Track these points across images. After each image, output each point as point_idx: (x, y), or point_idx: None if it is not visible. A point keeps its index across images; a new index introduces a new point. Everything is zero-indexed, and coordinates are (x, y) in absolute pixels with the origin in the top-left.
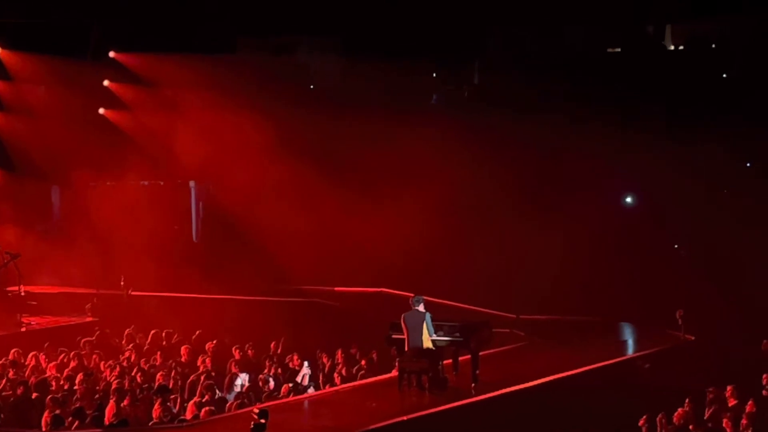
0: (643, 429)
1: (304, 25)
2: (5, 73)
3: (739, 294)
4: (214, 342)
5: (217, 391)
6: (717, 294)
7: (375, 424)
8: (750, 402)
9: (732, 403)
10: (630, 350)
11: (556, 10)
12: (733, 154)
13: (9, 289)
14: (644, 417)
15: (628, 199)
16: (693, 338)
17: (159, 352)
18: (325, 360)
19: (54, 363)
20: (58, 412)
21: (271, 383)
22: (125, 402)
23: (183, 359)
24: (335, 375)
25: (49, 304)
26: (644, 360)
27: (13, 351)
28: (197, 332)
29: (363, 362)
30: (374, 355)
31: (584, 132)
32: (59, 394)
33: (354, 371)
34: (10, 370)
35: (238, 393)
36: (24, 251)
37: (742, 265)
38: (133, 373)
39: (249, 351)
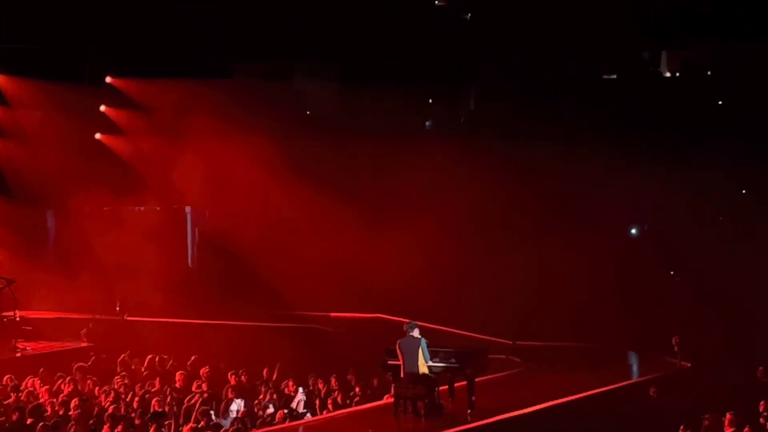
0: None
1: (300, 50)
2: (2, 98)
3: (735, 321)
4: (209, 367)
5: (213, 417)
6: (713, 321)
7: None
8: (746, 429)
9: (729, 430)
10: (626, 377)
11: (552, 37)
12: (729, 180)
13: (4, 314)
14: None
15: (633, 231)
16: (689, 365)
17: (158, 378)
18: (320, 386)
19: (46, 387)
20: None
21: (270, 409)
22: (119, 428)
23: (178, 385)
24: (329, 401)
25: (45, 329)
26: (649, 384)
27: (6, 377)
28: (192, 357)
29: (357, 389)
30: (375, 382)
31: (580, 158)
32: (52, 420)
33: (350, 397)
34: (12, 395)
35: (234, 419)
36: (19, 276)
37: (739, 291)
38: (128, 399)
39: (243, 377)
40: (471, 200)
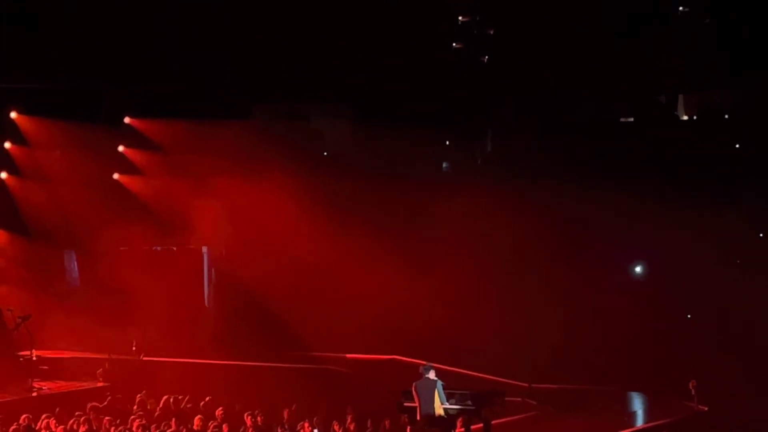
0: None
1: (317, 92)
2: (21, 139)
3: (752, 364)
4: (224, 408)
5: None
6: (730, 364)
7: None
8: None
9: None
10: (643, 420)
11: (569, 80)
12: (747, 224)
13: (21, 353)
14: None
15: (638, 269)
16: (706, 409)
17: (173, 418)
18: (336, 428)
19: (62, 427)
20: None
21: None
22: None
23: (195, 427)
24: None
25: (61, 368)
26: (664, 428)
27: (23, 416)
28: (207, 398)
29: (369, 430)
30: (387, 423)
31: (596, 200)
32: None
33: None
34: None
35: None
36: (36, 315)
37: (756, 335)
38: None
39: (259, 417)
40: (487, 243)
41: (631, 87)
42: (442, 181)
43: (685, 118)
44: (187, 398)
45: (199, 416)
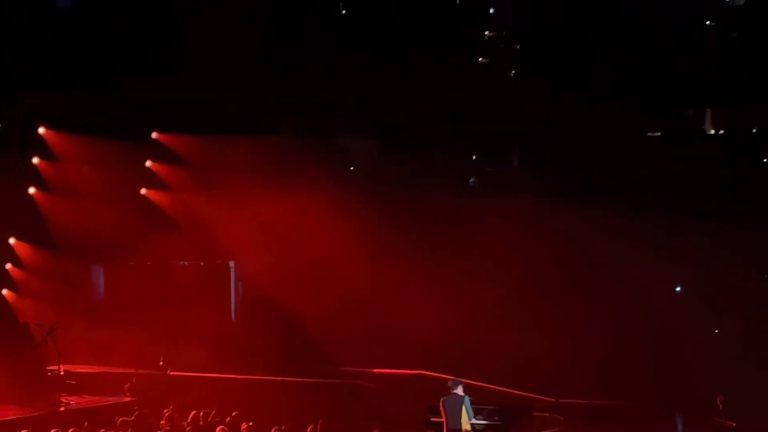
0: None
1: (342, 108)
2: (49, 154)
3: None
4: (250, 423)
5: None
6: (758, 380)
7: None
8: None
9: None
10: None
11: (594, 94)
12: None
13: (49, 368)
14: None
15: (678, 289)
16: (734, 425)
17: None
18: None
19: None
20: None
21: None
22: None
23: None
24: None
25: (88, 383)
26: None
27: (53, 431)
28: (234, 413)
29: None
30: None
31: (623, 215)
32: None
33: None
34: None
35: None
36: (64, 330)
37: None
38: None
39: None
40: (515, 258)
41: (658, 101)
42: (467, 197)
43: (713, 131)
44: (213, 412)
45: (221, 427)
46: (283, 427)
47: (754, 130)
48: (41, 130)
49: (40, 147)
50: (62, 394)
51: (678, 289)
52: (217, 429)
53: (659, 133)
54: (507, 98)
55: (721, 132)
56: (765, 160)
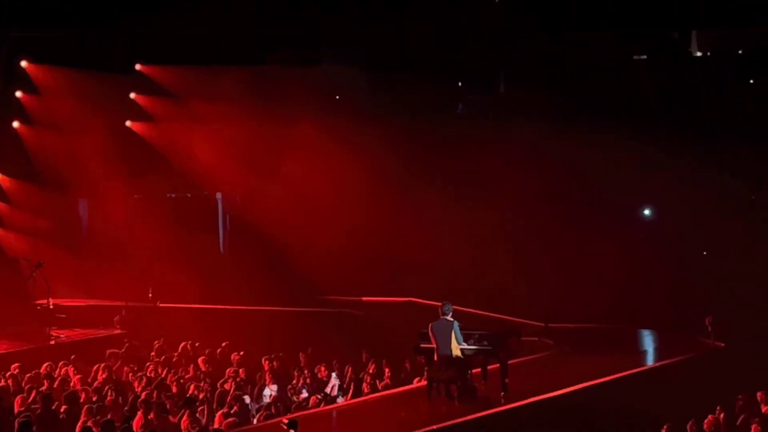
0: None
1: (328, 36)
2: (32, 87)
3: None
4: (241, 353)
5: (246, 400)
6: (746, 300)
7: None
8: None
9: (764, 409)
10: (659, 358)
11: (581, 19)
12: (762, 159)
13: (38, 302)
14: (665, 426)
15: (647, 212)
16: (723, 345)
17: (192, 365)
18: (352, 371)
19: (79, 376)
20: (90, 424)
21: (304, 393)
22: (152, 414)
23: (203, 369)
24: (364, 385)
25: (78, 316)
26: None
27: (45, 364)
28: (224, 343)
29: (387, 371)
30: (407, 365)
31: (608, 140)
32: (95, 406)
33: (384, 380)
34: (45, 381)
35: (267, 404)
36: (52, 264)
37: None
38: (155, 385)
39: (275, 362)
40: (503, 185)
41: (643, 24)
42: (456, 124)
43: (699, 54)
44: (203, 344)
45: (202, 357)
46: (273, 356)
47: (740, 52)
48: (24, 64)
49: (23, 80)
50: (52, 328)
51: (647, 212)
52: (199, 359)
53: (645, 57)
54: (493, 24)
55: (708, 54)
56: (751, 81)
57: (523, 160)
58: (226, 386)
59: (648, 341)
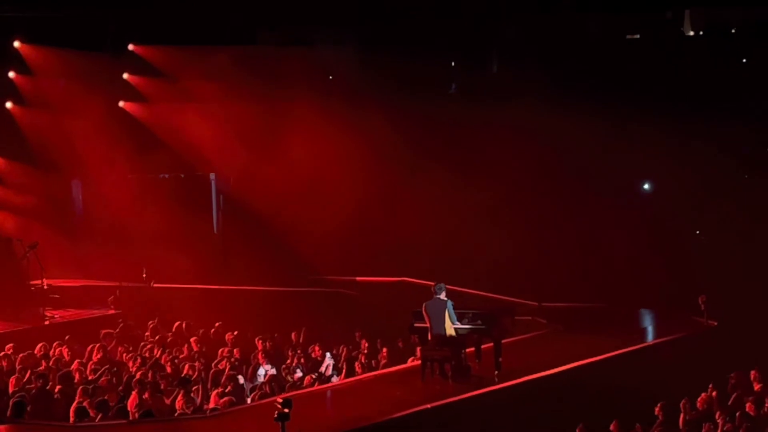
0: (659, 416)
1: (320, 16)
2: (25, 68)
3: (762, 279)
4: (235, 333)
5: (241, 380)
6: (739, 279)
7: (399, 412)
8: None
9: (757, 387)
10: (652, 337)
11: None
12: (755, 138)
13: (32, 282)
14: (659, 404)
15: (646, 186)
16: (716, 323)
17: (186, 345)
18: (346, 350)
19: (75, 356)
20: (85, 404)
21: (299, 373)
22: (146, 394)
23: (195, 348)
24: (357, 364)
25: (72, 297)
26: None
27: (40, 344)
28: (217, 323)
29: (384, 351)
30: (400, 343)
31: (602, 118)
32: (90, 386)
33: (380, 360)
34: (42, 362)
35: (262, 383)
36: (46, 245)
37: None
38: (150, 365)
39: (269, 342)
40: (497, 164)
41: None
42: (449, 103)
43: (692, 33)
44: (198, 324)
45: (194, 337)
46: (267, 336)
47: (732, 31)
48: (17, 44)
49: (16, 60)
50: (46, 308)
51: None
52: (192, 339)
53: (638, 36)
54: (486, 3)
55: (700, 33)
56: (744, 60)
57: (517, 139)
58: (221, 366)
59: (642, 320)
